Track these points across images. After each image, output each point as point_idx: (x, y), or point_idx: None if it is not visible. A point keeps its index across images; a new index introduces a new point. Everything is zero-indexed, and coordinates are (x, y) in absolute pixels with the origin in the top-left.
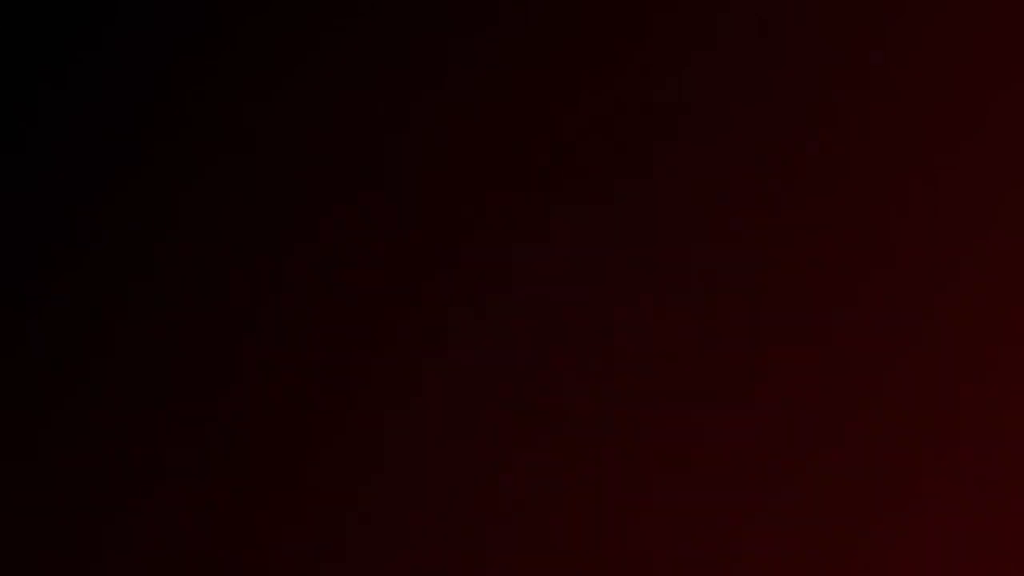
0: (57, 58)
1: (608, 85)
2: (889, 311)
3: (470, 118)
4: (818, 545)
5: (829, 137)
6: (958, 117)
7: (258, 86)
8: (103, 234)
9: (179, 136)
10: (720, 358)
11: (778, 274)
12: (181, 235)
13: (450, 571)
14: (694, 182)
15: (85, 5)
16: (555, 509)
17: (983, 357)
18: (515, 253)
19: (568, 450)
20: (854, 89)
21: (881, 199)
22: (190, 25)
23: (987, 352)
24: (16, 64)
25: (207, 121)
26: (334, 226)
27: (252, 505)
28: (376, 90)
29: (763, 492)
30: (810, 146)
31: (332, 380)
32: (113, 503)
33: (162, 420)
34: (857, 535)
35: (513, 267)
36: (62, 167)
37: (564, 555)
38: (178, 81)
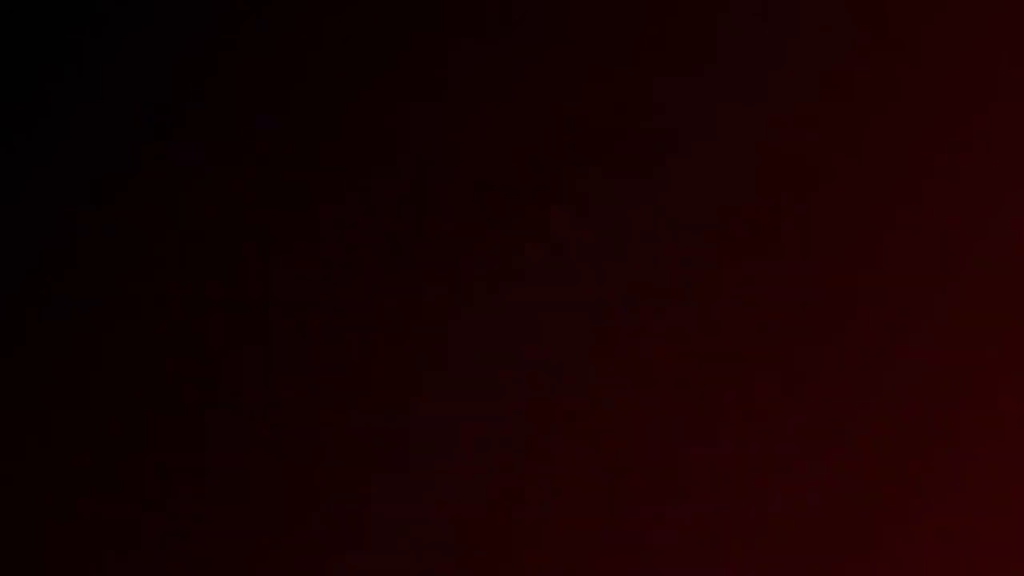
0: (56, 58)
1: (608, 86)
2: (888, 313)
3: (470, 119)
4: (820, 547)
5: (829, 137)
6: (957, 118)
7: (258, 86)
8: (102, 235)
9: (178, 136)
10: (721, 361)
11: (778, 276)
12: (181, 235)
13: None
14: (693, 184)
15: (84, 5)
16: (562, 514)
17: (982, 358)
18: (515, 253)
19: (571, 452)
20: (854, 90)
21: (881, 200)
22: (189, 24)
23: (986, 353)
24: (16, 64)
25: (206, 121)
26: (336, 226)
27: (253, 508)
28: (376, 90)
29: (763, 494)
30: (809, 147)
31: (335, 382)
32: (113, 507)
33: (162, 422)
34: (857, 537)
35: (514, 269)
36: (60, 167)
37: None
38: (177, 81)
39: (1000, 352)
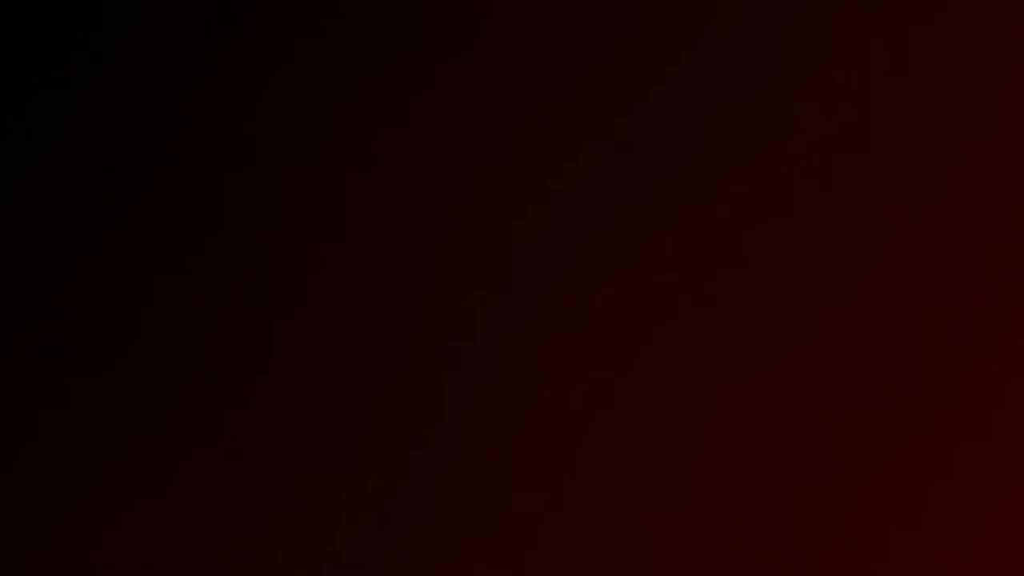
0: (56, 58)
1: (605, 84)
2: (887, 311)
3: (466, 117)
4: (817, 544)
5: (827, 134)
6: (956, 117)
7: (257, 86)
8: (101, 236)
9: (176, 137)
10: (719, 358)
11: (776, 273)
12: (180, 236)
13: None
14: (690, 180)
15: (84, 5)
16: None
17: (980, 356)
18: (516, 250)
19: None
20: (851, 86)
21: (879, 198)
22: (184, 21)
23: (984, 351)
24: (15, 64)
25: (205, 122)
26: (333, 224)
27: (254, 516)
28: (373, 89)
29: (762, 491)
30: (806, 148)
31: (344, 383)
32: (112, 511)
33: (165, 427)
34: (855, 535)
35: (514, 265)
36: (60, 168)
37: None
38: (176, 81)
39: (997, 350)
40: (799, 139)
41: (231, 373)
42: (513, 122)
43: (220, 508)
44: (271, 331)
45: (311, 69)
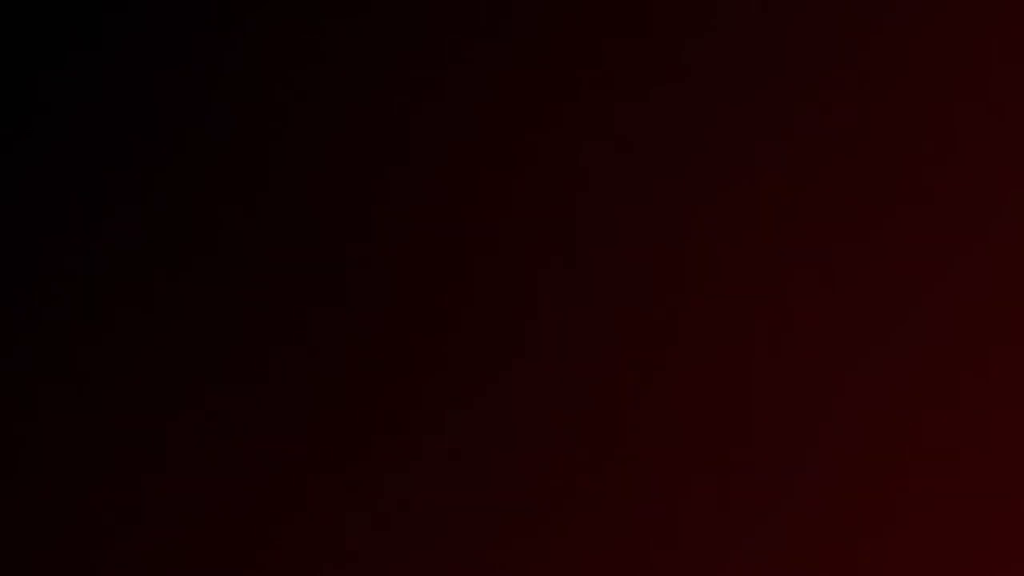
0: (58, 59)
1: (605, 84)
2: (887, 310)
3: (465, 118)
4: (820, 544)
5: (826, 134)
6: (956, 117)
7: (259, 89)
8: (102, 237)
9: (179, 141)
10: (720, 358)
11: (776, 273)
12: (180, 237)
13: None
14: (690, 180)
15: (85, 6)
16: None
17: (981, 355)
18: (515, 250)
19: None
20: (851, 86)
21: (880, 198)
22: (188, 27)
23: (985, 350)
24: (16, 64)
25: (208, 125)
26: (338, 227)
27: (255, 516)
28: (371, 90)
29: (763, 492)
30: (807, 144)
31: (344, 393)
32: (112, 511)
33: (165, 428)
34: (855, 534)
35: (513, 266)
36: (62, 169)
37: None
38: (179, 84)
39: (998, 350)
40: (799, 139)
41: (233, 374)
42: (513, 122)
43: (221, 508)
44: (272, 331)
45: (310, 71)
